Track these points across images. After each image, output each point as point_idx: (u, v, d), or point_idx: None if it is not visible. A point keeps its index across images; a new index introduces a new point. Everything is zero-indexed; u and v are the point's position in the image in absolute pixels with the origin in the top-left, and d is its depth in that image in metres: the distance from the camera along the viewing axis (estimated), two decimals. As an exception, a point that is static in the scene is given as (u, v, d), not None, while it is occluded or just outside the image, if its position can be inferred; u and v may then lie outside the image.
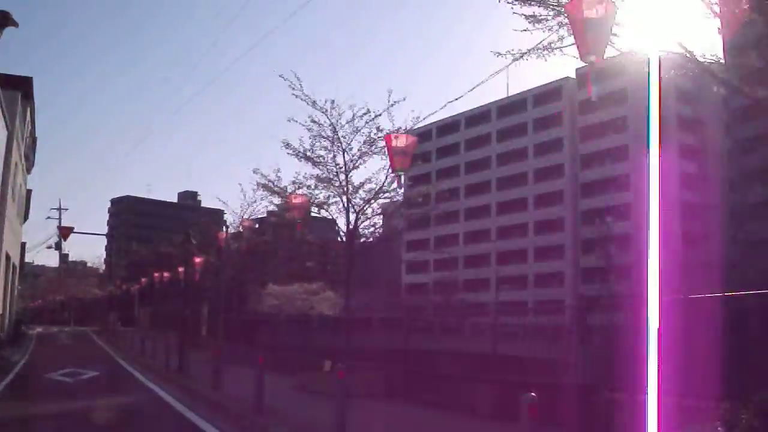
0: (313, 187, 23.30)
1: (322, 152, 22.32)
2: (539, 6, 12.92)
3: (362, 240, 28.80)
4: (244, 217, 35.69)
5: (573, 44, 10.39)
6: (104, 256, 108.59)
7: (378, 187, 23.16)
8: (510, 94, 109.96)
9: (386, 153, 16.50)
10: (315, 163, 22.31)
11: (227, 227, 30.93)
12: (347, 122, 21.66)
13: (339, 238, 31.16)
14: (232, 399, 17.01)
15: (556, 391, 12.27)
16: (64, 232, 54.99)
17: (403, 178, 17.18)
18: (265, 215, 41.27)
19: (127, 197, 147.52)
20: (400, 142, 14.82)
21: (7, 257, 38.68)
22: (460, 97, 24.52)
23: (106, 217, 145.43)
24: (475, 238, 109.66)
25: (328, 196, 22.69)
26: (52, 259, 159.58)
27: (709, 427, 8.89)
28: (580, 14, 8.71)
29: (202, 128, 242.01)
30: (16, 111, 35.75)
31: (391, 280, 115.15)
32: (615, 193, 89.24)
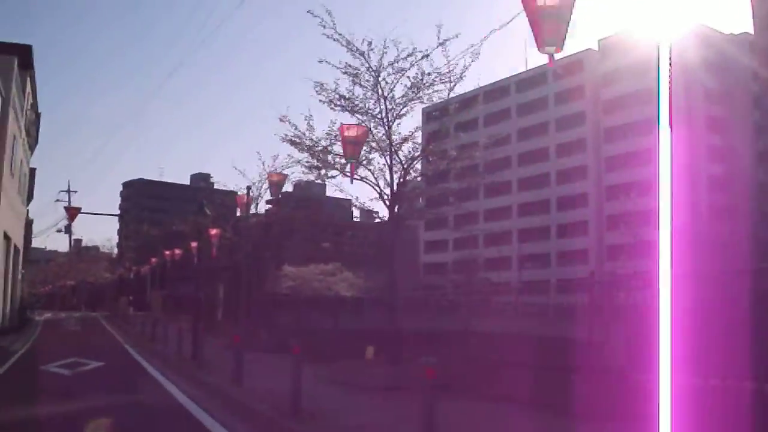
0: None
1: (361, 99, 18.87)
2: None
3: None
4: (262, 190, 32.44)
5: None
6: (116, 240, 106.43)
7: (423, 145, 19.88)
8: (529, 68, 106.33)
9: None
10: (353, 111, 18.87)
11: (249, 189, 27.23)
12: (389, 63, 18.11)
13: (354, 217, 28.65)
14: (257, 396, 13.69)
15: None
16: (72, 213, 52.14)
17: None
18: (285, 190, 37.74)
19: (139, 180, 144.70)
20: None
21: (7, 237, 35.59)
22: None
23: (118, 200, 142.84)
24: (496, 215, 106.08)
25: (369, 151, 19.20)
26: (64, 244, 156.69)
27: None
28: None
29: (213, 101, 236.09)
30: (12, 77, 32.65)
31: (408, 260, 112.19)
32: (640, 168, 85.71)
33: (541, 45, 8.57)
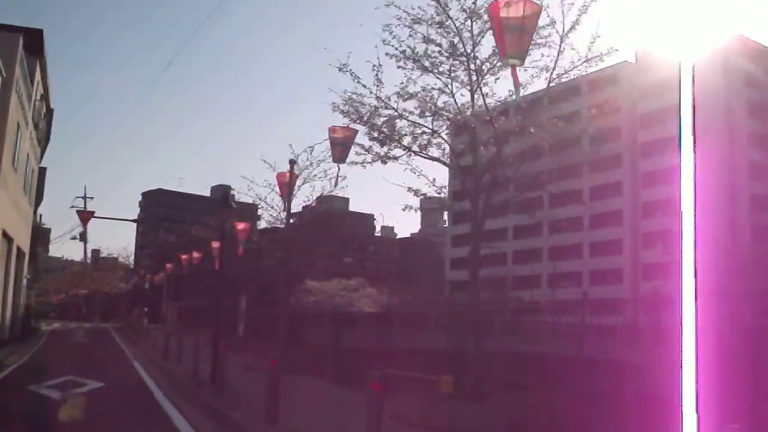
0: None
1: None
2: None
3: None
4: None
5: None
6: (133, 248, 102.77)
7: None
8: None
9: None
10: (429, 69, 15.21)
11: (293, 164, 22.73)
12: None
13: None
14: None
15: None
16: (84, 217, 48.37)
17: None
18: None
19: (158, 190, 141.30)
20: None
21: (7, 237, 31.74)
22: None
23: (136, 210, 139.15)
24: (526, 232, 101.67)
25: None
26: (81, 253, 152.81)
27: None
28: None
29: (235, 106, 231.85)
30: (15, 56, 28.94)
31: (432, 277, 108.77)
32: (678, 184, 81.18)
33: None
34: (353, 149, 17.51)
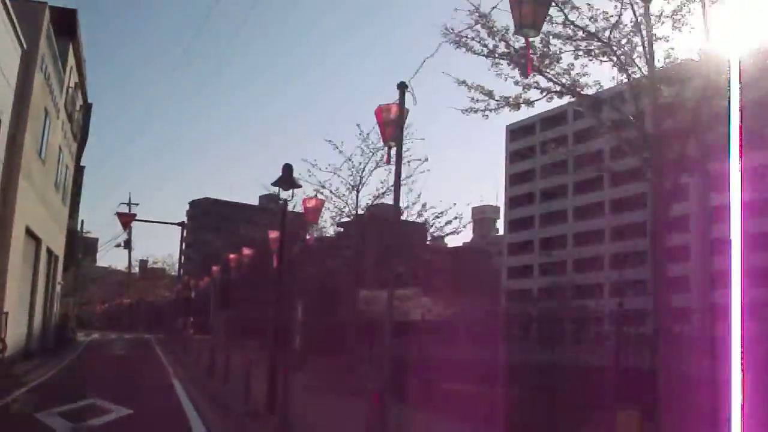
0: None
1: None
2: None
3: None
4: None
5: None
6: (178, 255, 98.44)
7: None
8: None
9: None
10: None
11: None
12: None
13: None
14: None
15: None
16: (126, 220, 44.68)
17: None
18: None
19: (206, 199, 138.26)
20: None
21: (33, 236, 27.84)
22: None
23: (183, 219, 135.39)
24: (586, 239, 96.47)
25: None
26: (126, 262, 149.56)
27: None
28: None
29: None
30: (40, 30, 25.08)
31: (486, 287, 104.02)
32: (751, 188, 75.72)
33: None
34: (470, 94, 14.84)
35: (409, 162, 21.99)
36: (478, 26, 14.26)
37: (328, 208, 24.05)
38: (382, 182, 22.82)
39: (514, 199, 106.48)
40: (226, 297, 50.07)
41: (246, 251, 33.49)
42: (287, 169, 14.17)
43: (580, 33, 14.50)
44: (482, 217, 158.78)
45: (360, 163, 23.11)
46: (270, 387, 13.82)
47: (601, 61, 14.95)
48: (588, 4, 14.29)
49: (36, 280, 29.33)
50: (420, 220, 22.20)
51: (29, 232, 26.70)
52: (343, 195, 23.42)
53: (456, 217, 24.73)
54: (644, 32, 13.86)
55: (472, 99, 15.17)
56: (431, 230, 23.57)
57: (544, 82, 15.16)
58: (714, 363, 9.88)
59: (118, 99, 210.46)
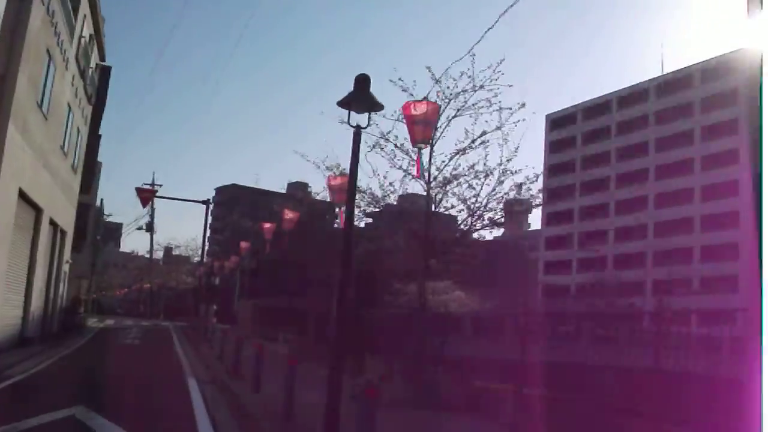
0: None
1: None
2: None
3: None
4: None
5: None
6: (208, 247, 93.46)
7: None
8: (667, 72, 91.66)
9: None
10: None
11: None
12: None
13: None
14: None
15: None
16: (145, 196, 40.34)
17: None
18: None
19: (233, 186, 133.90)
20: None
21: (30, 202, 23.35)
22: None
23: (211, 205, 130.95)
24: (628, 234, 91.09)
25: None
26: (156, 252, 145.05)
27: None
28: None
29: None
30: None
31: (519, 281, 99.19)
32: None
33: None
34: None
35: (499, 109, 17.14)
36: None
37: (385, 174, 18.85)
38: (468, 132, 17.82)
39: (552, 191, 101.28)
40: (253, 284, 45.44)
41: (289, 214, 28.24)
42: (362, 81, 9.36)
43: None
44: (515, 210, 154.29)
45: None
46: (332, 397, 9.18)
47: None
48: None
49: (35, 255, 24.77)
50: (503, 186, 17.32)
51: (25, 198, 22.18)
52: (411, 151, 18.15)
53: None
54: None
55: None
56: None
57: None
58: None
59: (140, 79, 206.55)
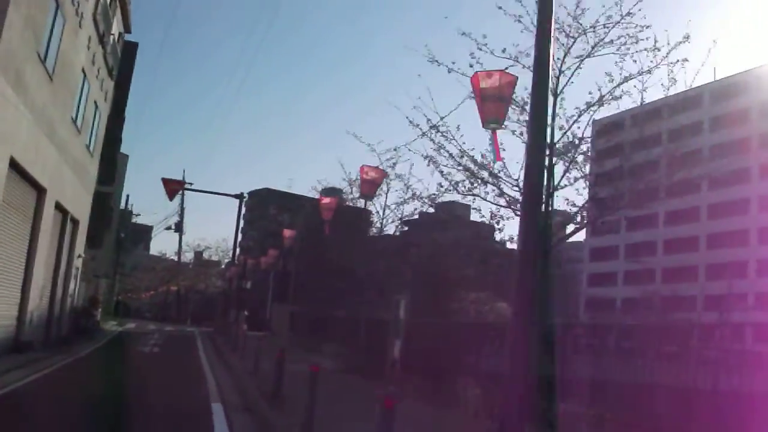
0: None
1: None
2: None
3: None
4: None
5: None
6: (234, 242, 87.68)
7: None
8: (720, 77, 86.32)
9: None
10: None
11: None
12: None
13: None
14: None
15: None
16: (172, 188, 36.06)
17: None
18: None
19: (265, 189, 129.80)
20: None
21: (29, 180, 19.04)
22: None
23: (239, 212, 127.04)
24: (679, 246, 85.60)
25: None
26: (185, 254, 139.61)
27: None
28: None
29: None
30: None
31: (558, 293, 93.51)
32: None
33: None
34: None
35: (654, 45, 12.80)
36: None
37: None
38: (609, 75, 13.48)
39: (598, 200, 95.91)
40: (290, 286, 40.92)
41: (326, 200, 23.72)
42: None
43: None
44: (551, 221, 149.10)
45: (559, 48, 13.25)
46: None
47: None
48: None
49: (35, 243, 20.33)
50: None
51: (19, 170, 17.79)
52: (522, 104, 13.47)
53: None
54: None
55: None
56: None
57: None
58: None
59: (171, 80, 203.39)
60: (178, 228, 66.35)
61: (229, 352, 26.57)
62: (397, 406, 6.88)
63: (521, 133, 13.52)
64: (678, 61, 13.02)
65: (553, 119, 12.62)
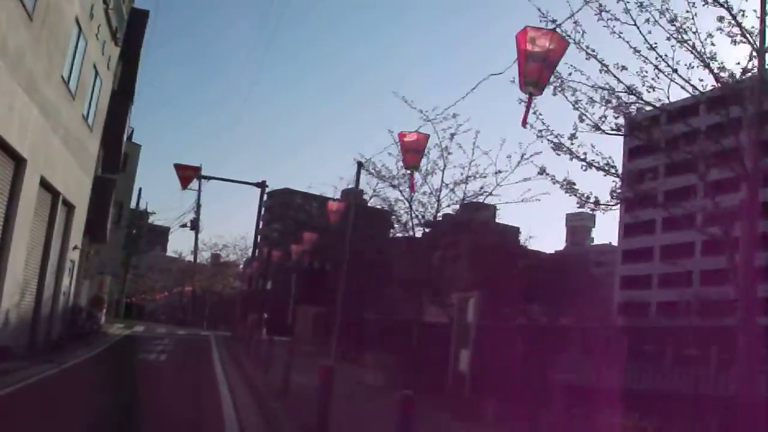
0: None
1: None
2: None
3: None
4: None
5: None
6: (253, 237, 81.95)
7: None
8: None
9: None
10: None
11: None
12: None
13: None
14: None
15: None
16: (186, 174, 32.07)
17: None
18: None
19: (285, 190, 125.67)
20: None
21: (6, 148, 14.76)
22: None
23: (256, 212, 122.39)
24: (716, 247, 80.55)
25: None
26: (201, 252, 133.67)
27: None
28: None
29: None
30: None
31: (586, 297, 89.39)
32: None
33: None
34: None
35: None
36: None
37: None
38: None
39: (630, 200, 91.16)
40: (313, 285, 36.65)
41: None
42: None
43: None
44: (578, 224, 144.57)
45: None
46: None
47: None
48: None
49: (10, 226, 16.03)
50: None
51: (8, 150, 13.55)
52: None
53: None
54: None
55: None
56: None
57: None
58: None
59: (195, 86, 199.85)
60: (194, 226, 62.01)
61: (249, 360, 22.16)
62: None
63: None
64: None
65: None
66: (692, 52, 10.73)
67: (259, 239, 38.64)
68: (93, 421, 9.87)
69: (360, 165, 17.34)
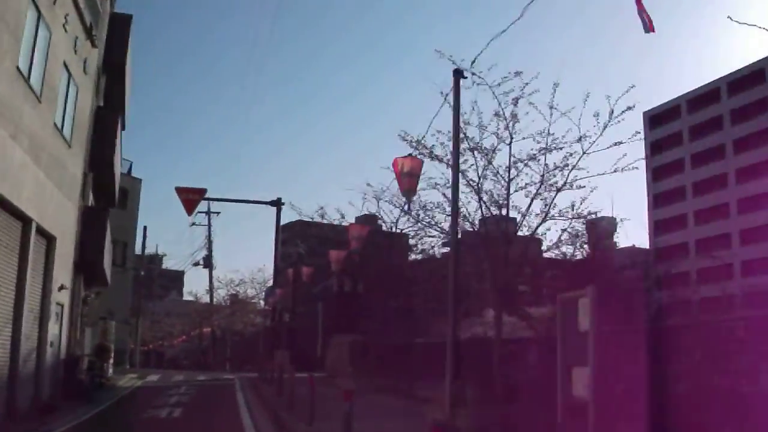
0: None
1: None
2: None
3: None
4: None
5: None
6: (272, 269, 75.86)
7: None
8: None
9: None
10: None
11: None
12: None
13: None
14: None
15: None
16: (189, 198, 27.87)
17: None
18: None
19: (299, 222, 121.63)
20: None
21: None
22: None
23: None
24: (755, 236, 75.93)
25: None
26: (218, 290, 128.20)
27: None
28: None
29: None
30: None
31: (617, 301, 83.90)
32: None
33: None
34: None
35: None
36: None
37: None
38: None
39: (657, 196, 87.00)
40: (347, 311, 32.36)
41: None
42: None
43: None
44: (598, 228, 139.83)
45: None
46: None
47: None
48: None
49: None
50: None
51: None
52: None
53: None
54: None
55: None
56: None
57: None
58: None
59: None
60: (207, 263, 57.97)
61: (286, 410, 17.64)
62: None
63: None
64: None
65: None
66: None
67: (279, 260, 34.35)
68: None
69: (458, 73, 12.89)
